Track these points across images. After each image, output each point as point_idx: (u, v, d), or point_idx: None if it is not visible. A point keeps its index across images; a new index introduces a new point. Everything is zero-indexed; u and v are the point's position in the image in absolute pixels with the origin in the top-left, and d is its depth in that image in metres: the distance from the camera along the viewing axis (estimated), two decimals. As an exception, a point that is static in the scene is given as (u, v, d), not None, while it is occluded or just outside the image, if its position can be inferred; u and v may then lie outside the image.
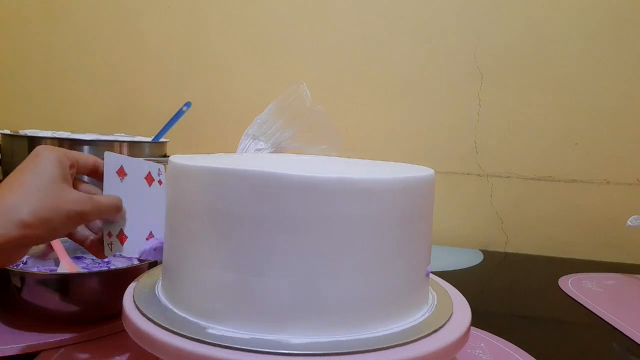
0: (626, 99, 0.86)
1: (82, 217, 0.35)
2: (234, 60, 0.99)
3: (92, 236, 0.39)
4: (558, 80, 0.88)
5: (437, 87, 0.92)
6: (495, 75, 0.90)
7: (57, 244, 0.53)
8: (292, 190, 0.32)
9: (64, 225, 0.34)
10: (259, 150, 0.71)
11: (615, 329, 0.53)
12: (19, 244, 0.31)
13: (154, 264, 0.49)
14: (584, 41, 0.87)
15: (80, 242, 0.39)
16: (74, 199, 0.34)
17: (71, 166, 0.36)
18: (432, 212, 0.40)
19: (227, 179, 0.33)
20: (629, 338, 0.51)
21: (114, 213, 0.38)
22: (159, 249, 0.41)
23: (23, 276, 0.45)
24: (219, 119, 1.00)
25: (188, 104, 0.76)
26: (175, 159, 0.38)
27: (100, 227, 0.39)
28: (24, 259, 0.51)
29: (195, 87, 1.01)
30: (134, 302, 0.37)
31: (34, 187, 0.33)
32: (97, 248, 0.39)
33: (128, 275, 0.44)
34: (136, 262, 0.55)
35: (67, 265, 0.51)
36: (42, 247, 0.53)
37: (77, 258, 0.55)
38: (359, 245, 0.33)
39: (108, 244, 0.39)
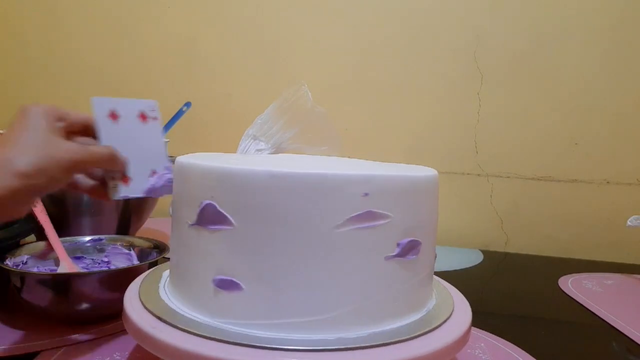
0: (626, 99, 0.86)
1: (77, 165, 0.36)
2: (234, 60, 0.99)
3: (92, 183, 0.40)
4: (558, 80, 0.88)
5: (437, 87, 0.92)
6: (495, 75, 0.90)
7: (57, 244, 0.53)
8: (302, 189, 0.32)
9: (61, 173, 0.34)
10: (259, 150, 0.71)
11: (615, 329, 0.53)
12: (21, 195, 0.32)
13: (154, 264, 0.49)
14: (584, 41, 0.87)
15: (83, 190, 0.40)
16: (66, 148, 0.35)
17: (59, 119, 0.36)
18: (436, 212, 0.40)
19: (242, 179, 0.33)
20: (629, 338, 0.51)
21: (110, 163, 0.38)
22: (164, 185, 0.42)
23: (23, 276, 0.45)
24: (219, 119, 1.00)
25: (188, 104, 0.76)
26: (183, 159, 0.38)
27: (102, 174, 0.40)
28: (24, 258, 0.51)
29: (195, 87, 1.01)
30: (134, 301, 0.37)
31: (27, 140, 0.34)
32: (100, 192, 0.40)
33: (128, 275, 0.44)
34: (136, 262, 0.55)
35: (67, 265, 0.51)
36: (42, 247, 0.53)
37: (77, 258, 0.55)
38: (362, 245, 0.33)
39: (112, 187, 0.39)
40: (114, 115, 0.39)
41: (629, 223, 0.70)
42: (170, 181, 0.42)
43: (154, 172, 0.42)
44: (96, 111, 0.39)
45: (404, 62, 0.93)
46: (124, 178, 0.40)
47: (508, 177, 0.91)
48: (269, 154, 0.70)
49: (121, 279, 0.44)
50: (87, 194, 0.41)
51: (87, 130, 0.39)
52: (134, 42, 1.03)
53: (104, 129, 0.39)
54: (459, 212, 0.93)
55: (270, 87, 0.96)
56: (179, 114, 0.75)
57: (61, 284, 0.44)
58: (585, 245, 0.89)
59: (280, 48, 0.97)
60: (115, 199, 0.40)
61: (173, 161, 0.40)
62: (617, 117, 0.87)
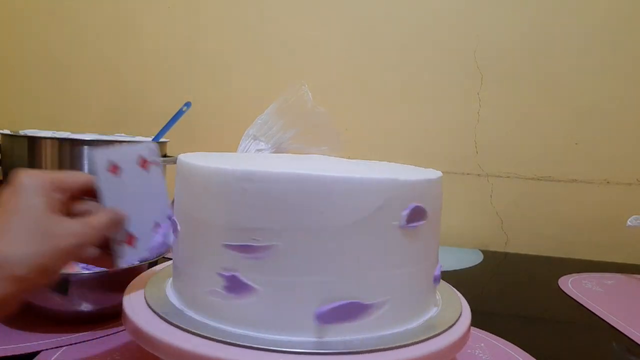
0: (626, 99, 0.86)
1: (81, 248, 0.32)
2: (234, 60, 0.99)
3: (96, 251, 0.35)
4: (558, 80, 0.88)
5: (437, 87, 0.92)
6: (495, 75, 0.90)
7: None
8: (307, 191, 0.32)
9: (62, 263, 0.31)
10: (259, 150, 0.71)
11: (615, 329, 0.53)
12: (14, 299, 0.29)
13: (154, 264, 0.48)
14: (584, 41, 0.87)
15: (87, 262, 0.36)
16: (68, 232, 0.30)
17: (57, 190, 0.32)
18: (439, 214, 0.40)
19: (247, 182, 0.33)
20: (629, 338, 0.51)
21: (116, 227, 0.35)
22: (168, 240, 0.38)
23: (23, 276, 0.44)
24: (219, 119, 1.00)
25: (188, 104, 0.76)
26: (187, 158, 0.38)
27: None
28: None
29: (195, 87, 1.01)
30: (134, 301, 0.37)
31: (22, 230, 0.29)
32: (104, 260, 0.36)
33: (128, 275, 0.44)
34: (136, 262, 0.55)
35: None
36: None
37: (77, 258, 0.55)
38: (367, 247, 0.33)
39: (118, 253, 0.35)
40: (114, 169, 0.35)
41: (629, 223, 0.71)
42: (172, 235, 0.38)
43: (157, 226, 0.38)
44: (95, 166, 0.34)
45: (404, 62, 0.93)
46: (129, 238, 0.36)
47: (508, 177, 0.91)
48: (269, 153, 0.70)
49: (121, 279, 0.44)
50: (91, 264, 0.36)
51: (87, 194, 0.35)
52: (134, 42, 1.03)
53: (106, 187, 0.35)
54: (459, 212, 0.93)
55: (270, 87, 0.96)
56: (179, 114, 0.75)
57: (61, 284, 0.44)
58: (585, 245, 0.89)
59: (280, 48, 0.97)
60: (123, 266, 0.36)
61: (174, 161, 0.38)
62: (617, 117, 0.87)
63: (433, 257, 0.40)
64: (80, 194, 0.34)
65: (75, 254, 0.32)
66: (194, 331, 0.32)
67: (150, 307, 0.36)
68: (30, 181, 0.30)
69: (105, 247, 0.35)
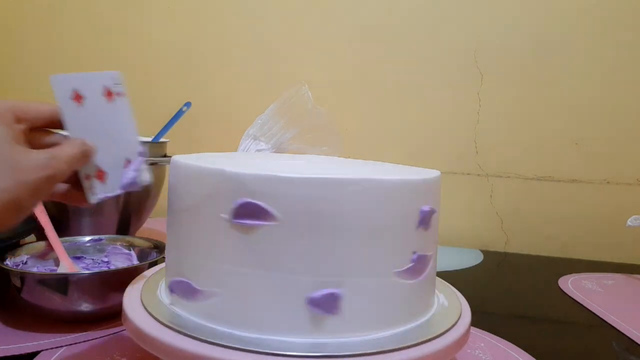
0: (626, 99, 0.86)
1: (51, 181, 0.30)
2: (234, 60, 0.99)
3: (65, 187, 0.34)
4: (558, 80, 0.88)
5: (437, 87, 0.92)
6: (495, 75, 0.90)
7: (57, 244, 0.53)
8: (307, 191, 0.32)
9: (32, 198, 0.29)
10: (259, 150, 0.71)
11: (615, 329, 0.53)
12: None
13: (154, 264, 0.48)
14: (584, 41, 0.87)
15: (56, 197, 0.34)
16: (35, 164, 0.28)
17: (19, 120, 0.30)
18: (437, 214, 0.40)
19: (245, 183, 0.33)
20: (629, 338, 0.51)
21: (83, 161, 0.33)
22: (139, 177, 0.37)
23: (23, 276, 0.45)
24: (219, 119, 1.00)
25: (188, 104, 0.76)
26: (181, 159, 0.38)
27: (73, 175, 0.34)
28: (24, 258, 0.51)
29: (195, 87, 1.01)
30: (134, 301, 0.37)
31: None
32: (75, 196, 0.34)
33: (128, 275, 0.44)
34: (136, 262, 0.55)
35: (67, 265, 0.51)
36: (42, 247, 0.53)
37: (77, 258, 0.55)
38: (365, 248, 0.33)
39: (89, 188, 0.34)
40: (78, 97, 0.34)
41: (629, 223, 0.70)
42: (147, 171, 0.38)
43: (128, 162, 0.36)
44: (58, 93, 0.33)
45: (404, 62, 0.93)
46: (99, 173, 0.34)
47: (508, 177, 0.91)
48: (270, 153, 0.70)
49: (121, 279, 0.44)
50: (61, 201, 0.35)
51: (52, 124, 0.33)
52: (134, 42, 1.03)
53: (70, 116, 0.33)
54: (459, 212, 0.93)
55: (270, 87, 0.96)
56: (179, 114, 0.75)
57: (61, 284, 0.44)
58: (585, 245, 0.89)
59: (280, 48, 0.97)
60: (93, 202, 0.35)
61: (168, 161, 0.38)
62: (617, 117, 0.87)
63: (430, 257, 0.40)
64: (44, 125, 0.33)
65: (45, 189, 0.30)
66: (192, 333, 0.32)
67: (150, 307, 0.36)
68: None
69: (75, 183, 0.34)
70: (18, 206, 0.28)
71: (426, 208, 0.36)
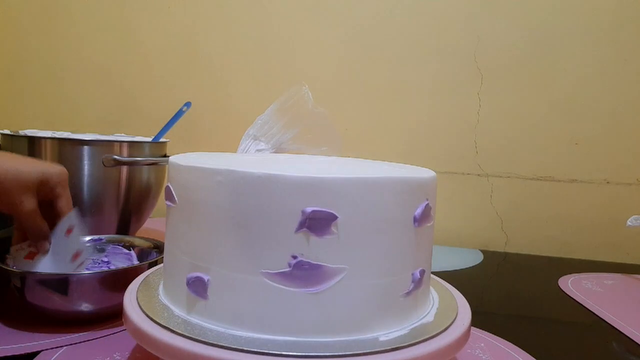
0: (626, 99, 0.86)
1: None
2: (234, 60, 0.99)
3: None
4: (558, 80, 0.88)
5: (437, 87, 0.92)
6: (495, 75, 0.90)
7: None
8: (299, 190, 0.32)
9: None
10: (259, 150, 0.71)
11: (615, 329, 0.53)
12: None
13: (154, 264, 0.49)
14: (584, 41, 0.87)
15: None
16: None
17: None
18: (434, 214, 0.40)
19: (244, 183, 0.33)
20: (629, 338, 0.51)
21: (37, 237, 0.47)
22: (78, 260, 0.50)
23: (23, 276, 0.45)
24: (219, 119, 1.00)
25: (188, 104, 0.76)
26: (178, 159, 0.38)
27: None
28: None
29: (195, 87, 1.01)
30: (134, 301, 0.37)
31: None
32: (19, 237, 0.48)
33: (128, 275, 0.44)
34: (136, 262, 0.55)
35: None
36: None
37: (77, 258, 0.55)
38: (360, 247, 0.33)
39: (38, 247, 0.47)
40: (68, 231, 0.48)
41: (629, 223, 0.71)
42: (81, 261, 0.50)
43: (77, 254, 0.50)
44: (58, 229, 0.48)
45: (404, 62, 0.93)
46: (31, 254, 0.48)
47: (508, 177, 0.91)
48: (269, 153, 0.70)
49: (121, 279, 0.44)
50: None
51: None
52: (134, 42, 1.03)
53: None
54: (459, 212, 0.93)
55: (270, 87, 0.96)
56: (179, 114, 0.75)
57: (61, 284, 0.44)
58: (585, 245, 0.89)
59: (280, 48, 0.97)
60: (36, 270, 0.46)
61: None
62: (616, 117, 0.87)
63: (427, 257, 0.40)
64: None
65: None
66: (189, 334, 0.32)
67: (151, 306, 0.36)
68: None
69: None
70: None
71: (308, 210, 0.32)
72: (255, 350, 0.30)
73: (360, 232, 0.33)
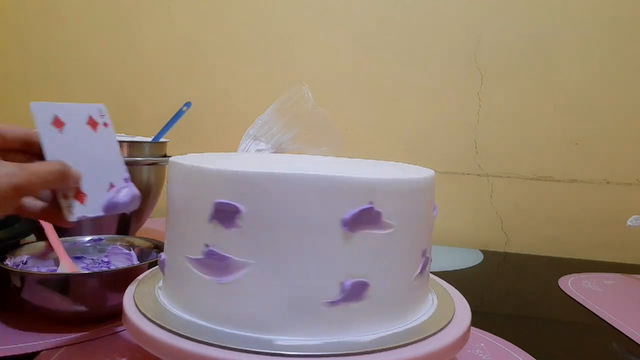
0: (626, 99, 0.86)
1: (18, 190, 0.30)
2: (234, 60, 0.99)
3: (43, 204, 0.35)
4: (558, 80, 0.88)
5: (437, 87, 0.92)
6: (495, 75, 0.90)
7: (57, 244, 0.53)
8: (296, 190, 0.32)
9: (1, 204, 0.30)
10: (259, 150, 0.71)
11: (615, 329, 0.53)
12: None
13: (154, 264, 0.49)
14: (584, 41, 0.87)
15: (32, 214, 0.35)
16: (3, 172, 0.30)
17: None
18: (393, 222, 0.40)
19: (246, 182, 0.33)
20: (629, 338, 0.51)
21: (61, 180, 0.33)
22: (126, 200, 0.38)
23: (23, 276, 0.45)
24: (219, 119, 1.00)
25: (188, 104, 0.76)
26: (180, 159, 0.38)
27: (51, 194, 0.36)
28: (24, 258, 0.51)
29: (195, 87, 1.01)
30: (134, 302, 0.37)
31: None
32: (54, 215, 0.35)
33: (128, 275, 0.44)
34: (136, 262, 0.55)
35: (67, 265, 0.51)
36: (42, 247, 0.53)
37: (77, 258, 0.55)
38: (267, 243, 0.33)
39: (66, 207, 0.35)
40: (58, 123, 0.35)
41: (629, 223, 0.70)
42: (133, 194, 0.39)
43: (112, 186, 0.38)
44: (37, 119, 0.34)
45: (404, 62, 0.93)
46: (79, 195, 0.35)
47: (508, 177, 0.91)
48: (269, 153, 0.70)
49: (121, 279, 0.44)
50: (37, 219, 0.36)
51: (28, 146, 0.34)
52: (134, 42, 1.03)
53: (49, 140, 0.34)
54: (459, 212, 0.93)
55: (270, 87, 0.96)
56: (179, 114, 0.75)
57: (61, 284, 0.44)
58: (585, 245, 0.89)
59: (280, 48, 0.97)
60: (72, 220, 0.35)
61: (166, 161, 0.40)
62: (617, 117, 0.87)
63: (425, 256, 0.39)
64: (19, 147, 0.34)
65: (10, 197, 0.30)
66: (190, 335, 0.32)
67: (151, 306, 0.36)
68: None
69: (54, 202, 0.35)
70: None
71: (216, 201, 0.33)
72: (258, 350, 0.30)
73: (268, 228, 0.32)
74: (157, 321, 0.33)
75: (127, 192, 0.38)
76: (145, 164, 0.68)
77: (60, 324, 0.45)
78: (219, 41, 0.99)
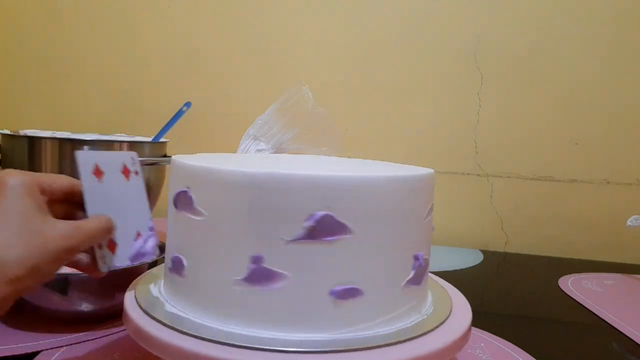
0: (626, 99, 0.86)
1: (71, 252, 0.31)
2: (234, 60, 0.99)
3: (84, 257, 0.35)
4: (558, 80, 0.88)
5: (437, 87, 0.92)
6: (495, 75, 0.90)
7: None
8: (244, 187, 0.33)
9: (54, 265, 0.30)
10: (259, 151, 0.71)
11: (615, 329, 0.53)
12: (9, 299, 0.28)
13: (154, 264, 0.49)
14: (584, 41, 0.87)
15: (74, 266, 0.35)
16: (60, 234, 0.30)
17: (42, 192, 0.31)
18: (431, 212, 0.40)
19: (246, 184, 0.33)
20: (629, 338, 0.51)
21: (105, 235, 0.34)
22: (150, 249, 0.39)
23: (23, 276, 0.44)
24: (219, 119, 1.00)
25: (188, 104, 0.75)
26: (183, 159, 0.38)
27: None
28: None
29: (195, 87, 1.01)
30: (135, 301, 0.37)
31: (12, 232, 0.28)
32: (92, 267, 0.35)
33: (128, 275, 0.44)
34: (118, 267, 0.55)
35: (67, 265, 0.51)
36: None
37: (77, 258, 0.55)
38: (358, 244, 0.33)
39: (100, 258, 0.35)
40: (98, 172, 0.36)
41: (629, 223, 0.71)
42: (156, 244, 0.39)
43: (138, 235, 0.38)
44: (82, 169, 0.35)
45: (404, 63, 0.93)
46: (110, 244, 0.36)
47: (508, 177, 0.91)
48: (270, 154, 0.70)
49: (121, 279, 0.44)
50: (80, 270, 0.36)
51: (71, 196, 0.34)
52: (134, 42, 1.03)
53: (90, 190, 0.35)
54: (459, 212, 0.93)
55: (270, 87, 0.96)
56: (179, 114, 0.75)
57: (61, 284, 0.44)
58: (585, 245, 0.89)
59: (280, 48, 0.97)
60: (105, 271, 0.36)
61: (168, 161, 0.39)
62: (617, 117, 0.87)
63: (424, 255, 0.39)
64: (63, 197, 0.34)
65: (65, 257, 0.31)
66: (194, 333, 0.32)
67: (151, 306, 0.36)
68: (16, 182, 0.30)
69: (89, 253, 0.35)
70: (38, 272, 0.29)
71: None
72: (262, 347, 0.30)
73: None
74: (159, 320, 0.33)
75: (152, 242, 0.39)
76: (145, 164, 0.68)
77: (60, 324, 0.45)
78: (219, 41, 0.99)
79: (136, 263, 0.38)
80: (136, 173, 0.38)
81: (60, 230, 0.30)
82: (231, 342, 0.31)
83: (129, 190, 0.38)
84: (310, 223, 0.32)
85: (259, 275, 0.33)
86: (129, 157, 0.38)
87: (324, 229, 0.32)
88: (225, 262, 0.34)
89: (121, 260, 0.37)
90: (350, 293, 0.33)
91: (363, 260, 0.34)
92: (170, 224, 0.39)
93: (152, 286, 0.40)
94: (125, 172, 0.38)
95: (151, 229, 0.39)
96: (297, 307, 0.33)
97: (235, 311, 0.33)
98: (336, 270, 0.33)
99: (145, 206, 0.39)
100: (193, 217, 0.35)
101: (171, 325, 0.33)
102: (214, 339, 0.31)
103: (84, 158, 0.35)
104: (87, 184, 0.35)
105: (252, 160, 0.44)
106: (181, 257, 0.36)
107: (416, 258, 0.37)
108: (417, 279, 0.37)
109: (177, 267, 0.37)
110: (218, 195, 0.34)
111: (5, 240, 0.28)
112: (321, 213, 0.32)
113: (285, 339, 0.32)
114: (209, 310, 0.34)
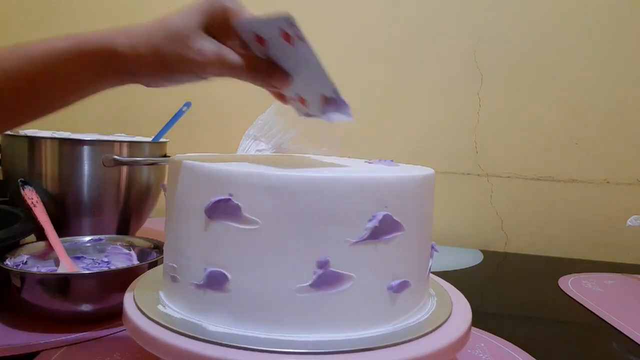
0: (626, 99, 0.86)
1: (206, 67, 0.37)
2: (234, 60, 0.99)
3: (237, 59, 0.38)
4: (558, 80, 0.88)
5: (437, 87, 0.92)
6: (495, 75, 0.90)
7: (57, 244, 0.53)
8: (298, 191, 0.32)
9: (180, 66, 0.37)
10: (259, 151, 0.71)
11: (615, 329, 0.53)
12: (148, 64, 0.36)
13: (154, 264, 0.49)
14: (583, 41, 0.87)
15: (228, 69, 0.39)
16: (199, 48, 0.35)
17: (221, 23, 0.36)
18: (432, 211, 0.40)
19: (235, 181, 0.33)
20: (629, 338, 0.51)
21: (248, 76, 0.38)
22: (340, 112, 0.40)
23: (23, 276, 0.45)
24: (219, 119, 1.00)
25: (188, 104, 0.76)
26: (179, 158, 0.38)
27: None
28: (24, 258, 0.51)
29: (195, 87, 1.01)
30: (135, 302, 0.37)
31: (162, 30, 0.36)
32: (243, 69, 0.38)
33: (128, 275, 0.44)
34: (136, 262, 0.55)
35: (67, 265, 0.51)
36: (42, 247, 0.53)
37: (77, 258, 0.55)
38: (409, 240, 0.34)
39: (295, 107, 0.40)
40: (260, 39, 0.36)
41: (629, 223, 0.70)
42: (346, 107, 0.40)
43: (324, 97, 0.40)
44: (245, 38, 0.37)
45: (404, 63, 0.93)
46: (300, 99, 0.39)
47: (508, 177, 0.91)
48: (270, 154, 0.70)
49: (121, 279, 0.44)
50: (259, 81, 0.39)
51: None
52: (134, 42, 1.03)
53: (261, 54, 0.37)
54: (459, 212, 0.93)
55: (270, 87, 0.96)
56: (179, 114, 0.75)
57: (61, 284, 0.44)
58: (585, 245, 0.89)
59: (280, 48, 0.97)
60: (301, 116, 0.40)
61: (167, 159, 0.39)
62: (617, 117, 0.87)
63: (425, 255, 0.40)
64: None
65: (203, 70, 0.37)
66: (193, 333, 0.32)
67: (151, 306, 0.36)
68: (203, 2, 0.35)
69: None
70: (168, 64, 0.36)
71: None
72: (261, 348, 0.30)
73: None
74: (159, 321, 0.33)
75: (341, 104, 0.41)
76: (145, 164, 0.68)
77: (60, 324, 0.45)
78: (219, 41, 0.99)
79: (330, 120, 0.40)
80: (299, 39, 0.36)
81: (199, 46, 0.36)
82: (231, 342, 0.31)
83: (296, 55, 0.38)
84: (373, 223, 0.33)
85: (326, 279, 0.32)
86: (285, 22, 0.35)
87: (383, 228, 0.33)
88: (288, 269, 0.33)
89: (316, 113, 0.40)
90: (403, 286, 0.35)
91: (412, 254, 0.37)
92: (196, 236, 0.35)
93: (152, 286, 0.40)
94: (286, 37, 0.36)
95: (335, 91, 0.40)
96: (360, 306, 0.34)
97: (297, 318, 0.33)
98: (393, 266, 0.35)
99: (322, 71, 0.38)
100: (240, 226, 0.33)
101: (171, 325, 0.33)
102: (214, 338, 0.31)
103: (242, 28, 0.36)
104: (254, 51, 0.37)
105: (286, 161, 0.43)
106: (223, 271, 0.33)
107: (433, 248, 0.41)
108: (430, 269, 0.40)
109: (216, 282, 0.34)
110: (273, 201, 0.32)
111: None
112: (382, 213, 0.33)
113: (284, 340, 0.32)
114: (262, 322, 0.33)
